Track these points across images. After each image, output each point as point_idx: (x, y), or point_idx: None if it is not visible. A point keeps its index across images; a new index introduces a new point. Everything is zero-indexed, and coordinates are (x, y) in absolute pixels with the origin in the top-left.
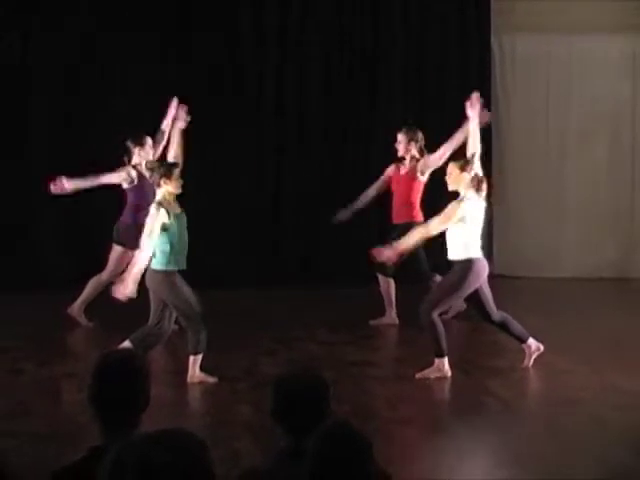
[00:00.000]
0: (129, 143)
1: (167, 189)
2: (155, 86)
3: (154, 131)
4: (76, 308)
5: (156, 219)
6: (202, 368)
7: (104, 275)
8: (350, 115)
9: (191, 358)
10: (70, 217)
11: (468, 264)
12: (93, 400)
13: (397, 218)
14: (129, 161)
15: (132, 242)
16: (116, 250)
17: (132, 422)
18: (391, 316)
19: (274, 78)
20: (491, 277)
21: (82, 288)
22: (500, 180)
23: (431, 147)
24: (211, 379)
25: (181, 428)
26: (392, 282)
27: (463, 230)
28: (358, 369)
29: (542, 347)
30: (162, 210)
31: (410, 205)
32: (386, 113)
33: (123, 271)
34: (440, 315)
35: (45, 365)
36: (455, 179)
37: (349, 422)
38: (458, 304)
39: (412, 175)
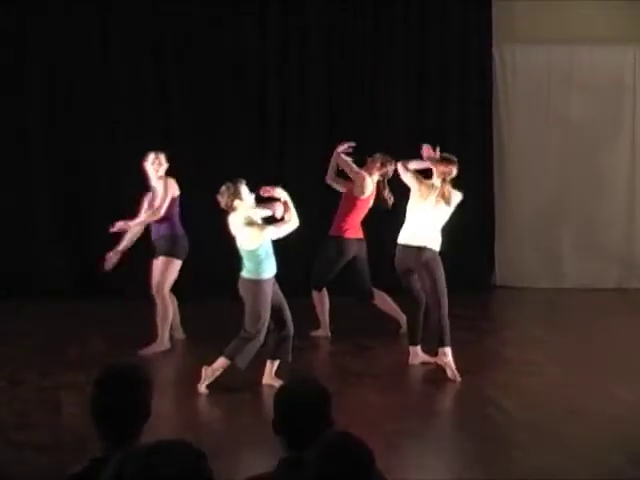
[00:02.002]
0: (145, 163)
1: (242, 205)
2: (154, 86)
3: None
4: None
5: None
6: (196, 377)
7: (166, 289)
8: (351, 124)
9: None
10: (74, 228)
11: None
12: (94, 411)
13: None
14: (149, 178)
15: (178, 252)
16: (163, 262)
17: (133, 433)
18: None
19: (274, 84)
20: (492, 288)
21: (84, 298)
22: (501, 190)
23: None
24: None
25: (181, 439)
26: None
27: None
28: (359, 379)
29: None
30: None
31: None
32: (387, 123)
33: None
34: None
35: (46, 376)
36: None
37: (351, 433)
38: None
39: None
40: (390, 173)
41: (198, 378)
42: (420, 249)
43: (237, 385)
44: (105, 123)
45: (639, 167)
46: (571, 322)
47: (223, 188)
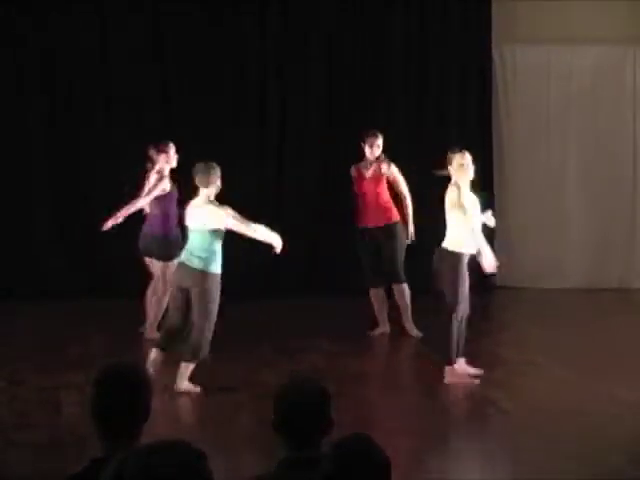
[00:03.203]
0: (152, 151)
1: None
2: (153, 86)
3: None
4: (149, 330)
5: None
6: (196, 378)
7: (160, 292)
8: (351, 125)
9: (184, 365)
10: (73, 229)
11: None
12: (94, 411)
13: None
14: (152, 168)
15: (170, 254)
16: (157, 265)
17: (133, 433)
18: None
19: (274, 84)
20: (493, 288)
21: (84, 298)
22: (501, 191)
23: (429, 159)
24: (196, 389)
25: (180, 439)
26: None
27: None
28: (360, 379)
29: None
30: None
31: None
32: (386, 124)
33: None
34: None
35: (46, 376)
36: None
37: (367, 435)
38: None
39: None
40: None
41: (196, 377)
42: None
43: (236, 385)
44: (105, 123)
45: None
46: (572, 322)
47: (206, 166)
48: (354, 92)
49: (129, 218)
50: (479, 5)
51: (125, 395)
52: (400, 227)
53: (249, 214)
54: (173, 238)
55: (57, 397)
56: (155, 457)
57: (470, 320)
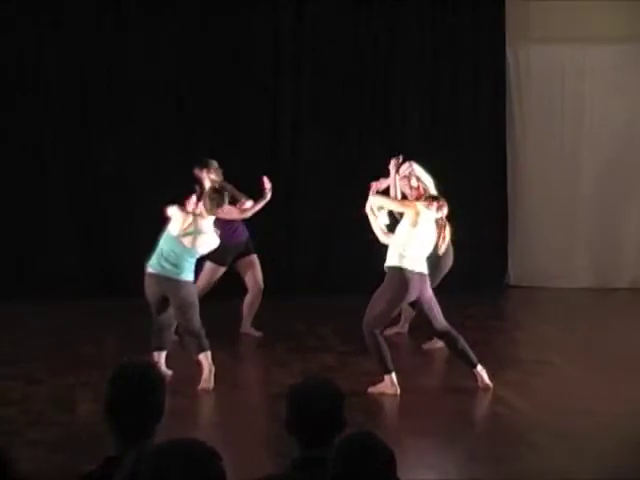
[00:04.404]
0: (196, 171)
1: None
2: (167, 88)
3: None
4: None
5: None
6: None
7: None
8: (364, 125)
9: (202, 356)
10: (88, 230)
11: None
12: (109, 410)
13: None
14: (201, 188)
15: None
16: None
17: (147, 432)
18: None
19: (289, 91)
20: (506, 287)
21: (98, 298)
22: (514, 191)
23: (443, 159)
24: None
25: (194, 438)
26: None
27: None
28: (371, 379)
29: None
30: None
31: None
32: (401, 123)
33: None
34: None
35: (61, 374)
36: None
37: (372, 433)
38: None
39: None
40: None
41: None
42: None
43: (249, 384)
44: (120, 124)
45: None
46: (584, 322)
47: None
48: (367, 92)
49: (143, 221)
50: (492, 5)
51: (139, 394)
52: None
53: (261, 224)
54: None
55: (71, 396)
56: (169, 456)
57: (483, 319)
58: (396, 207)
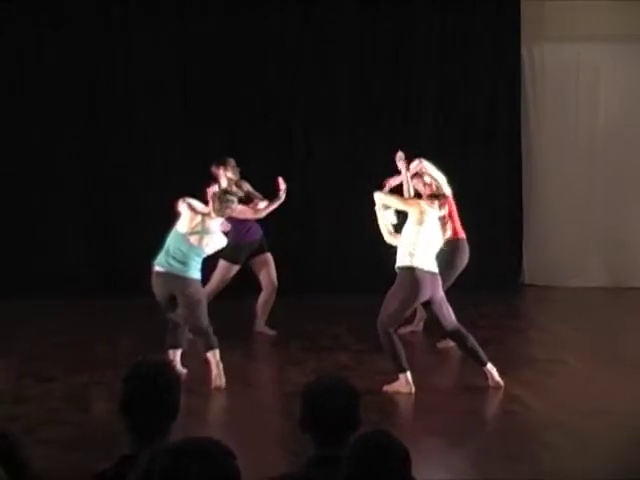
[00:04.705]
0: (214, 168)
1: None
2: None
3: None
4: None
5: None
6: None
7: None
8: (379, 124)
9: (210, 354)
10: (101, 228)
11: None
12: (124, 408)
13: None
14: (219, 186)
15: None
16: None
17: (162, 431)
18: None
19: (302, 96)
20: (520, 286)
21: (111, 297)
22: (529, 188)
23: (458, 156)
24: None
25: (209, 437)
26: None
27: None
28: (386, 378)
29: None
30: None
31: None
32: (416, 122)
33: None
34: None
35: (75, 373)
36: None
37: (387, 431)
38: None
39: None
40: None
41: (225, 375)
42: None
43: (263, 383)
44: (131, 125)
45: None
46: (599, 321)
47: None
48: (383, 91)
49: (157, 219)
50: (508, 3)
51: (154, 393)
52: None
53: (276, 223)
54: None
55: (86, 395)
56: (184, 455)
57: (498, 318)
58: (400, 206)
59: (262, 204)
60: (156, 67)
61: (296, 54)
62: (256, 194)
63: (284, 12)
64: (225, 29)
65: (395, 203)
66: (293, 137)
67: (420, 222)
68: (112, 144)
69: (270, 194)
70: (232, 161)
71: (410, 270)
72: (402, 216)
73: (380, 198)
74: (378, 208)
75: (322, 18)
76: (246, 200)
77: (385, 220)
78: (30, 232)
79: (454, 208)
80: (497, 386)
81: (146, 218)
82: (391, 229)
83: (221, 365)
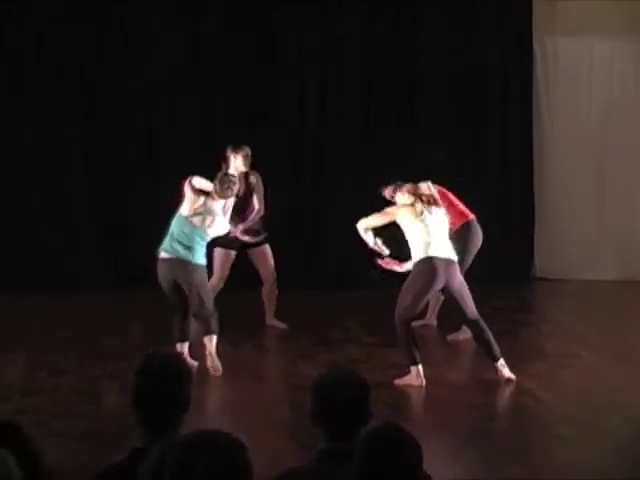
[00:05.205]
0: (228, 151)
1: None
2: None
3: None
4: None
5: None
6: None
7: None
8: (390, 123)
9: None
10: (109, 221)
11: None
12: (135, 401)
13: None
14: (227, 169)
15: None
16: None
17: (174, 423)
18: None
19: (314, 100)
20: (532, 280)
21: (121, 290)
22: (541, 182)
23: (470, 150)
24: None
25: (220, 430)
26: None
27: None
28: (398, 371)
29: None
30: None
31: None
32: (427, 118)
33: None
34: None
35: (86, 366)
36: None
37: (399, 425)
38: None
39: None
40: None
41: (232, 367)
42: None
43: (274, 376)
44: (131, 125)
45: None
46: (610, 315)
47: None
48: (393, 89)
49: (168, 212)
50: None
51: (166, 385)
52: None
53: (288, 215)
54: None
55: (96, 388)
56: (195, 447)
57: (509, 311)
58: (385, 218)
59: (241, 226)
60: (156, 67)
61: (302, 53)
62: (258, 191)
63: (289, 11)
64: (226, 29)
65: (378, 219)
66: (302, 134)
67: (416, 215)
68: (112, 144)
69: (279, 191)
70: (246, 149)
71: (426, 260)
72: (396, 244)
73: (361, 224)
74: (362, 234)
75: (335, 19)
76: (245, 195)
77: (373, 245)
78: (38, 226)
79: (450, 196)
80: (509, 382)
81: (158, 212)
82: (384, 250)
83: (214, 351)
